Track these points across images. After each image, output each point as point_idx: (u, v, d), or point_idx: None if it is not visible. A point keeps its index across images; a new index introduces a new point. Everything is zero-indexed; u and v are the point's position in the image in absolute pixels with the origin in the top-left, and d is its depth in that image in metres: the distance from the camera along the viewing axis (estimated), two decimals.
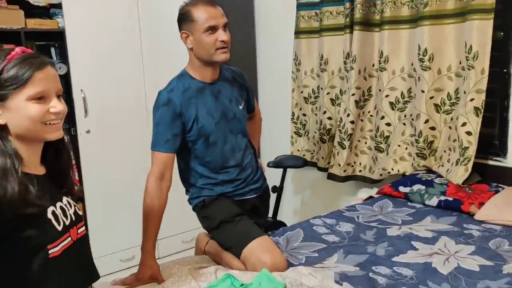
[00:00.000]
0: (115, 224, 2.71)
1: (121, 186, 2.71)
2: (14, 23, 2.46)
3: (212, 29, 1.67)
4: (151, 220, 1.62)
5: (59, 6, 2.59)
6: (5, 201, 0.91)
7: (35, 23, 2.54)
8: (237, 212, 1.74)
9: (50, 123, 1.02)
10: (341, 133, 2.71)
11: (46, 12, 2.64)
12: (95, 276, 1.16)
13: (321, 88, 2.88)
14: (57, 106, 1.01)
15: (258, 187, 1.91)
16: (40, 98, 0.99)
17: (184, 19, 1.71)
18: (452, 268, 1.53)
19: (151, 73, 2.83)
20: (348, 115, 2.65)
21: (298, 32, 2.95)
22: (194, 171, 1.80)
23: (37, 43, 2.67)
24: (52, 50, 2.78)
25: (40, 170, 1.07)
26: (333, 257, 1.67)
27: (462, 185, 2.12)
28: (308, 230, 1.92)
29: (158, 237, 2.85)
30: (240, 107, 1.87)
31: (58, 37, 2.63)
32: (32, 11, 2.55)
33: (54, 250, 1.00)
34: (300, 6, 2.91)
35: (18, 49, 1.00)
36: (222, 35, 1.67)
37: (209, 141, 1.75)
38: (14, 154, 0.97)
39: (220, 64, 1.80)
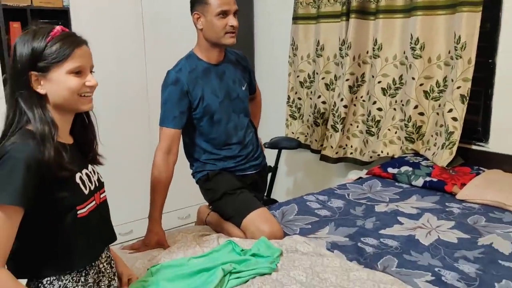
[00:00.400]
0: (113, 200, 2.83)
1: (120, 166, 2.81)
2: (21, 0, 2.52)
3: (224, 13, 1.77)
4: (159, 191, 1.74)
5: None
6: (43, 163, 1.02)
7: (40, 1, 2.60)
8: (238, 185, 1.87)
9: (84, 95, 1.13)
10: (334, 117, 2.84)
11: None
12: (114, 237, 1.28)
13: (317, 73, 2.99)
14: (92, 80, 1.13)
15: (258, 163, 2.04)
16: (78, 72, 1.10)
17: (197, 1, 1.81)
18: (433, 240, 1.68)
19: (152, 53, 2.91)
20: (342, 99, 2.77)
21: (296, 18, 3.05)
22: (199, 147, 1.91)
23: (41, 20, 2.73)
24: None
25: (69, 140, 1.18)
26: (325, 229, 1.81)
27: (446, 168, 2.27)
28: (302, 205, 2.05)
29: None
30: (243, 88, 1.98)
31: (62, 16, 2.70)
32: None
33: (82, 211, 1.12)
34: None
35: (59, 27, 1.10)
36: (233, 20, 1.79)
37: (214, 119, 1.87)
38: (51, 122, 1.08)
39: (227, 47, 1.90)
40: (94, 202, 1.17)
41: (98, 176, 1.23)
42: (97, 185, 1.20)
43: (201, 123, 1.87)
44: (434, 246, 1.64)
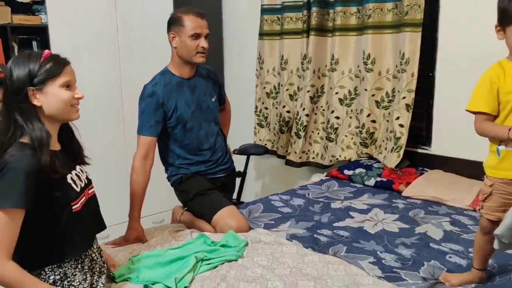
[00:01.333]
0: None
1: (96, 173, 2.96)
2: (1, 18, 2.68)
3: (197, 36, 2.02)
4: (137, 193, 1.95)
5: (40, 3, 2.81)
6: (40, 169, 1.22)
7: (20, 19, 2.76)
8: (209, 187, 2.09)
9: (74, 106, 1.33)
10: (297, 125, 3.10)
11: (29, 8, 2.86)
12: (103, 226, 1.48)
13: (281, 85, 3.25)
14: (79, 93, 1.34)
15: (227, 167, 2.26)
16: (68, 86, 1.31)
17: (174, 22, 2.05)
18: (378, 230, 1.95)
19: (127, 68, 3.07)
20: (304, 109, 3.04)
21: (262, 34, 3.31)
22: (173, 153, 2.13)
23: (20, 37, 2.89)
24: (34, 43, 2.99)
25: (58, 147, 1.38)
26: (286, 223, 2.05)
27: (394, 169, 2.55)
28: (266, 204, 2.29)
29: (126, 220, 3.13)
30: (213, 100, 2.21)
31: (39, 32, 2.85)
32: (16, 7, 2.77)
33: (76, 206, 1.32)
34: (264, 11, 3.26)
35: (47, 51, 1.30)
36: (203, 43, 2.04)
37: (186, 127, 2.09)
38: (46, 131, 1.27)
39: (197, 65, 2.14)
40: (84, 198, 1.37)
41: (86, 175, 1.43)
42: (86, 182, 1.40)
43: (175, 131, 2.08)
44: (379, 234, 1.91)
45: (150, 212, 3.33)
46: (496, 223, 1.41)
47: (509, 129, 1.33)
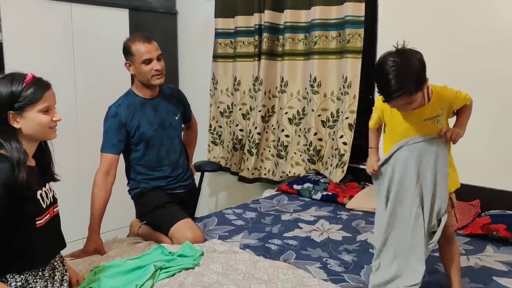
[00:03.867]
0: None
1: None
2: None
3: (148, 61, 2.13)
4: (98, 206, 2.02)
5: None
6: (16, 184, 1.29)
7: None
8: (167, 200, 2.19)
9: (52, 127, 1.41)
10: (250, 143, 3.26)
11: None
12: (63, 245, 1.54)
13: (235, 105, 3.42)
14: (57, 116, 1.41)
15: (187, 184, 2.37)
16: (46, 110, 1.38)
17: (126, 52, 2.17)
18: (324, 238, 2.13)
19: (82, 88, 3.09)
20: (256, 127, 3.21)
21: (216, 57, 3.47)
22: (134, 169, 2.23)
23: None
24: None
25: (33, 162, 1.44)
26: (240, 235, 2.18)
27: (339, 183, 2.76)
28: (220, 217, 2.41)
29: (84, 236, 3.13)
30: (176, 118, 2.33)
31: None
32: None
33: (40, 222, 1.38)
34: (217, 35, 3.43)
35: (30, 74, 1.37)
36: (156, 65, 2.14)
37: (149, 144, 2.20)
38: (24, 151, 1.34)
39: (157, 86, 2.24)
40: (49, 215, 1.43)
41: (53, 193, 1.49)
42: (52, 200, 1.46)
43: (137, 147, 2.20)
44: (324, 242, 2.08)
45: (104, 229, 3.34)
46: None
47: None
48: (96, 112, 3.11)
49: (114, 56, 3.21)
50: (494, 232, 2.05)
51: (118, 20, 3.25)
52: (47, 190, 1.46)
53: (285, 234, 2.18)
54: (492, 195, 2.36)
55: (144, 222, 2.25)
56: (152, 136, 2.20)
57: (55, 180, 1.53)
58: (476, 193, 2.39)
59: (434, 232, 1.57)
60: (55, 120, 1.42)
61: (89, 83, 3.13)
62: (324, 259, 1.91)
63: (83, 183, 3.07)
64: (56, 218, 1.49)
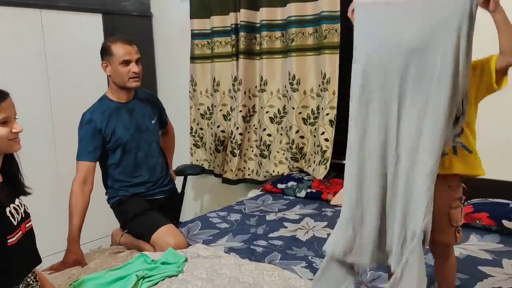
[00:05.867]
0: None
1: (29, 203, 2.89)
2: None
3: (126, 62, 2.10)
4: (76, 216, 1.97)
5: None
6: None
7: None
8: (147, 207, 2.15)
9: (13, 140, 1.35)
10: (232, 144, 3.23)
11: None
12: (39, 261, 1.47)
13: (215, 106, 3.38)
14: (17, 127, 1.35)
15: (167, 189, 2.34)
16: (4, 122, 1.32)
17: (104, 52, 2.14)
18: (309, 237, 2.11)
19: (57, 95, 3.00)
20: (237, 128, 3.18)
21: (193, 58, 3.43)
22: (112, 176, 2.18)
23: None
24: None
25: (0, 178, 1.38)
26: (224, 238, 2.14)
27: (322, 180, 2.75)
28: (204, 221, 2.37)
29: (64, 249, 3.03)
30: (153, 122, 2.30)
31: None
32: None
33: (12, 240, 1.32)
34: (194, 36, 3.39)
35: None
36: (134, 67, 2.12)
37: (126, 149, 2.17)
38: None
39: (133, 89, 2.21)
40: (21, 232, 1.36)
41: (24, 208, 1.42)
42: (23, 216, 1.39)
43: (114, 153, 2.16)
44: (310, 241, 2.07)
45: (87, 239, 3.28)
46: None
47: None
48: (73, 119, 3.02)
49: (89, 61, 3.16)
50: (477, 221, 2.06)
51: (92, 25, 3.19)
52: (17, 205, 1.39)
53: (270, 235, 2.16)
54: (474, 184, 2.36)
55: (126, 231, 2.21)
56: (129, 140, 2.16)
57: (25, 194, 1.45)
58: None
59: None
60: (15, 131, 1.35)
61: (64, 90, 3.05)
62: (309, 258, 1.89)
63: (63, 193, 3.03)
64: (29, 234, 1.43)
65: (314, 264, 1.83)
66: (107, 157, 2.16)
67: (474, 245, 1.91)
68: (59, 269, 1.84)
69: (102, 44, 2.17)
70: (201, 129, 3.49)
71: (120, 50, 2.10)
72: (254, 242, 2.07)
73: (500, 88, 1.31)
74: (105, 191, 2.28)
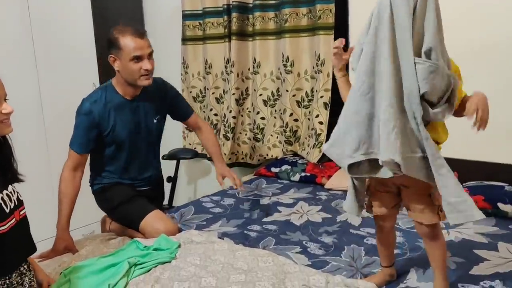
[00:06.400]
0: None
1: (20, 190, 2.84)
2: None
3: (138, 58, 1.89)
4: (65, 203, 1.90)
5: None
6: None
7: None
8: (132, 194, 2.06)
9: (2, 121, 1.29)
10: (225, 127, 3.19)
11: None
12: (34, 249, 1.42)
13: (207, 89, 3.32)
14: (7, 107, 1.29)
15: (154, 181, 2.21)
16: None
17: (112, 45, 1.91)
18: (303, 221, 2.09)
19: (46, 80, 2.91)
20: (230, 111, 3.13)
21: (185, 39, 3.35)
22: (100, 164, 2.07)
23: None
24: None
25: None
26: (218, 223, 2.12)
27: (317, 163, 2.72)
28: (198, 206, 2.35)
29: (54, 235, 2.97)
30: (155, 120, 2.11)
31: None
32: None
33: (3, 228, 1.26)
34: (185, 17, 3.31)
35: None
36: (147, 64, 1.91)
37: (121, 147, 2.03)
38: None
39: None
40: (14, 220, 1.31)
41: (17, 195, 1.35)
42: (16, 203, 1.33)
43: (109, 147, 2.03)
44: (304, 226, 2.05)
45: (79, 224, 3.25)
46: (386, 217, 1.52)
47: None
48: (63, 104, 2.99)
49: (78, 44, 3.10)
50: None
51: (79, 7, 3.08)
52: (10, 192, 1.34)
53: (264, 219, 2.14)
54: (469, 167, 2.35)
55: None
56: (126, 139, 2.02)
57: (18, 180, 1.38)
58: (453, 165, 2.37)
59: None
60: (6, 112, 1.30)
61: (53, 75, 2.96)
62: (304, 243, 1.87)
63: (55, 179, 2.98)
64: (23, 222, 1.37)
65: (308, 249, 1.81)
66: (100, 147, 2.03)
67: (469, 229, 1.90)
68: (49, 257, 1.80)
69: (110, 34, 1.94)
70: None
71: (130, 44, 1.88)
72: (248, 227, 2.05)
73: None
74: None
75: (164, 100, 2.15)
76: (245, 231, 2.00)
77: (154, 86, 2.06)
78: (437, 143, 1.39)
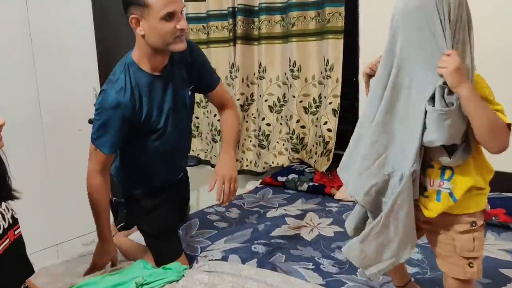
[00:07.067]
0: None
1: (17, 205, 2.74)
2: None
3: (171, 15, 1.51)
4: (104, 212, 1.69)
5: None
6: None
7: None
8: (165, 226, 1.84)
9: None
10: None
11: None
12: (31, 271, 1.31)
13: None
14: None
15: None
16: None
17: (133, 2, 1.53)
18: (314, 236, 1.98)
19: (45, 79, 2.81)
20: None
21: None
22: (132, 163, 1.80)
23: None
24: None
25: None
26: (222, 239, 1.99)
27: (325, 172, 2.62)
28: (202, 219, 2.24)
29: (57, 242, 2.87)
30: (189, 93, 1.78)
31: None
32: None
33: None
34: (189, 20, 3.20)
35: None
36: (183, 23, 1.54)
37: (159, 135, 1.71)
38: None
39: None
40: (8, 240, 1.21)
41: (12, 213, 1.25)
42: (10, 222, 1.23)
43: (143, 139, 1.71)
44: (315, 240, 1.94)
45: (79, 233, 3.14)
46: None
47: None
48: (63, 108, 2.90)
49: (78, 44, 2.99)
50: (493, 218, 1.94)
51: (79, 5, 2.98)
52: (4, 210, 1.23)
53: (272, 233, 2.03)
54: None
55: (119, 226, 2.04)
56: (164, 125, 1.70)
57: (13, 198, 1.26)
58: None
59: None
60: None
61: (52, 75, 2.85)
62: (316, 259, 1.77)
63: (52, 188, 2.88)
64: (18, 242, 1.26)
65: (321, 266, 1.70)
66: (132, 141, 1.69)
67: (492, 245, 1.79)
68: (93, 272, 1.68)
69: None
70: (197, 118, 3.34)
71: None
72: (255, 242, 1.94)
73: None
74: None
75: (193, 67, 1.77)
76: (252, 247, 1.89)
77: (180, 53, 1.68)
78: (481, 189, 1.22)
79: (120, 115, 1.59)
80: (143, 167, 1.79)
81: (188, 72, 1.76)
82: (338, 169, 1.36)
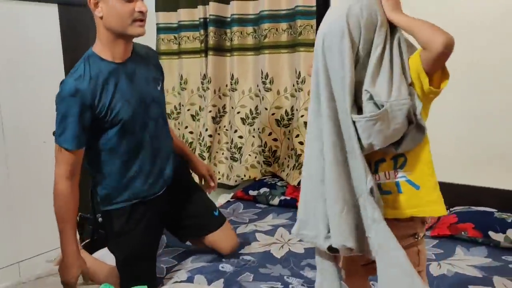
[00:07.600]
0: None
1: None
2: None
3: None
4: (70, 221, 1.56)
5: None
6: None
7: None
8: (146, 246, 1.74)
9: None
10: (201, 146, 3.02)
11: None
12: None
13: (182, 105, 3.16)
14: None
15: (169, 180, 1.82)
16: None
17: None
18: (284, 253, 1.93)
19: (7, 91, 2.71)
20: (207, 129, 2.97)
21: (159, 53, 3.17)
22: (102, 165, 1.64)
23: None
24: None
25: None
26: (189, 258, 1.92)
27: (297, 186, 2.58)
28: (169, 235, 2.14)
29: (18, 260, 2.74)
30: (159, 88, 1.73)
31: None
32: None
33: None
34: (159, 30, 3.15)
35: None
36: (141, 5, 1.54)
37: (126, 130, 1.61)
38: None
39: (134, 37, 1.62)
40: None
41: None
42: None
43: (108, 135, 1.60)
44: (285, 258, 1.89)
45: (42, 250, 3.00)
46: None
47: None
48: (26, 121, 2.80)
49: (44, 56, 2.90)
50: (462, 232, 1.93)
51: (46, 17, 2.89)
52: None
53: (241, 251, 1.97)
54: (456, 191, 2.25)
55: (84, 243, 1.95)
56: (131, 118, 1.60)
57: None
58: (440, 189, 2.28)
59: None
60: None
61: (15, 88, 2.75)
62: (285, 278, 1.72)
63: (14, 205, 2.75)
64: None
65: (290, 286, 1.65)
66: (97, 138, 1.59)
67: (461, 260, 1.78)
68: None
69: None
70: None
71: None
72: (223, 260, 1.88)
73: (438, 88, 1.07)
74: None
75: (159, 68, 1.80)
76: (219, 266, 1.82)
77: (145, 49, 1.75)
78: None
79: (80, 102, 1.50)
80: (120, 172, 1.66)
81: (156, 70, 1.78)
82: (294, 231, 1.23)
